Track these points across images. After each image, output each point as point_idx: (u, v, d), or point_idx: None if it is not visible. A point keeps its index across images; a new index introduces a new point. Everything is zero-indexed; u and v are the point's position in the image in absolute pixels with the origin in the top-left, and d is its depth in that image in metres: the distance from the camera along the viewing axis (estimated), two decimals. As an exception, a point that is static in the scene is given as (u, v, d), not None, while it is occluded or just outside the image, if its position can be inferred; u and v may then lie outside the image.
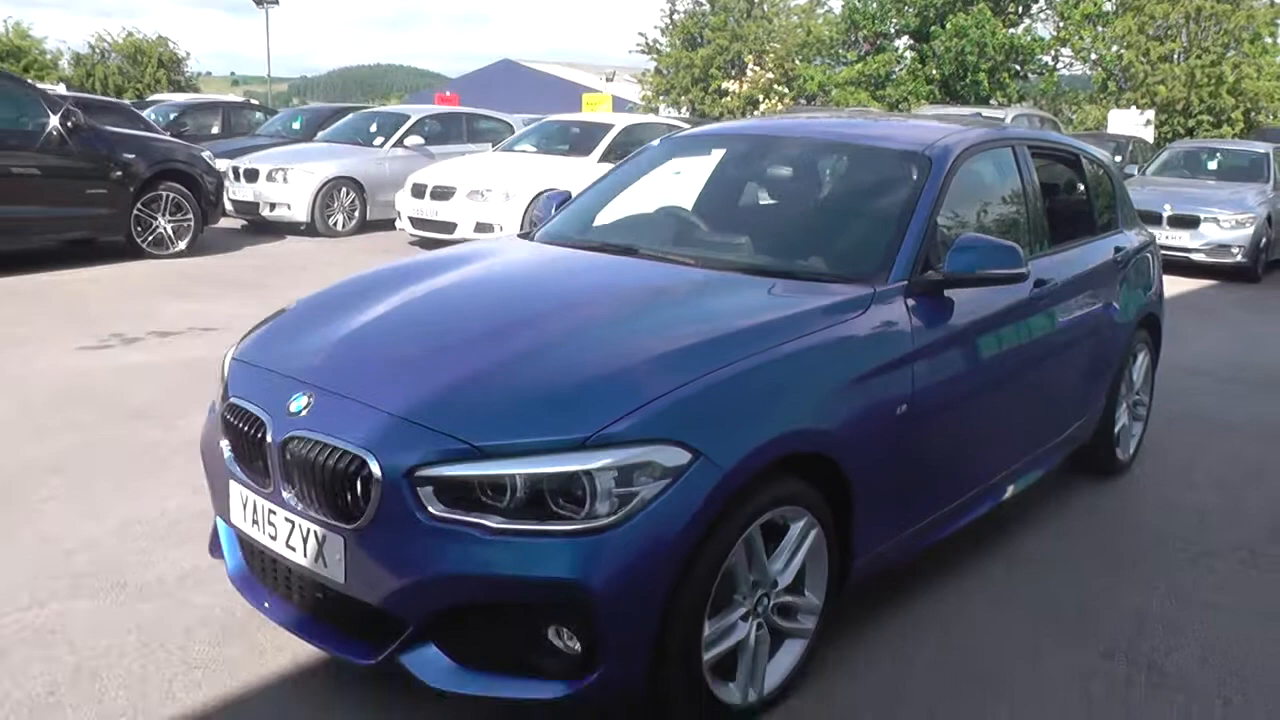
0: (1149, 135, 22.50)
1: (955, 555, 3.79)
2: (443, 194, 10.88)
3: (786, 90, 29.92)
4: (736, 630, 2.66)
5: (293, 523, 2.59)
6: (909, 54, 30.00)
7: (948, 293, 3.33)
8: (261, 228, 11.94)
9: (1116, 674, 3.10)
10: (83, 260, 9.32)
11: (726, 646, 2.63)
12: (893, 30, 30.67)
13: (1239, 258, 11.18)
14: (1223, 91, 23.19)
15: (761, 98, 29.54)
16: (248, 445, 2.73)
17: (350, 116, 13.81)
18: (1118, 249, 4.65)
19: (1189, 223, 11.32)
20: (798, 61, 29.95)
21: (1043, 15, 29.28)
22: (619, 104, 30.90)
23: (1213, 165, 13.15)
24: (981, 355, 3.48)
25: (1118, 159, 16.28)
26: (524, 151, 12.25)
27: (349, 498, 2.47)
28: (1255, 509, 4.51)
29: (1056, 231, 4.22)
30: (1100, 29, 26.59)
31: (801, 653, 2.88)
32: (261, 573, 2.89)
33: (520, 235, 4.28)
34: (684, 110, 29.50)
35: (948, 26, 27.82)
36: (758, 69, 29.48)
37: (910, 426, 3.07)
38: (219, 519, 3.02)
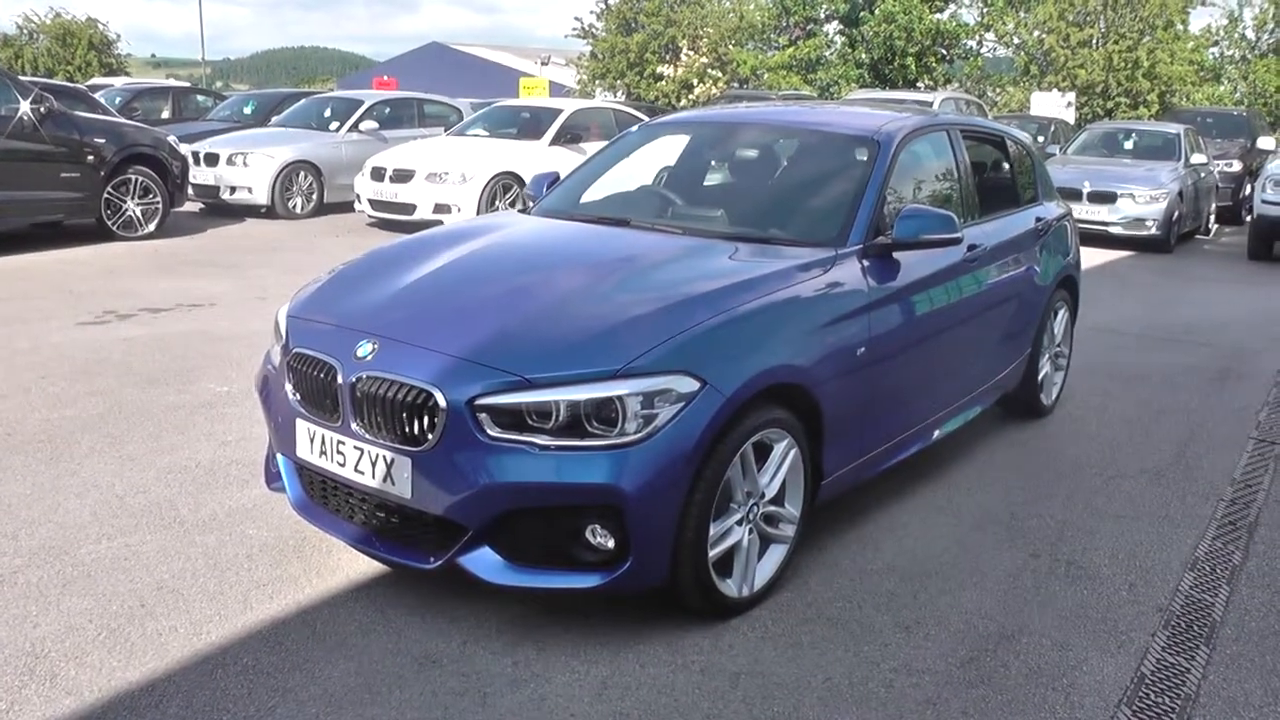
0: (1070, 117, 23.55)
1: (900, 481, 4.39)
2: (402, 177, 11.25)
3: (720, 74, 30.51)
4: (733, 533, 3.21)
5: (361, 450, 3.07)
6: (839, 38, 30.79)
7: (896, 255, 3.91)
8: (221, 210, 12.18)
9: (1041, 569, 3.73)
10: (53, 243, 9.55)
11: (726, 547, 3.18)
12: (822, 15, 31.49)
13: (1153, 230, 12.02)
14: (1139, 75, 24.36)
15: (696, 82, 30.09)
16: (317, 387, 3.20)
17: (303, 102, 14.05)
18: (1038, 219, 5.29)
19: (1107, 198, 12.14)
20: (731, 46, 30.53)
21: (967, 1, 30.26)
22: (555, 89, 31.19)
23: (1129, 145, 14.02)
24: (925, 308, 4.07)
25: (1040, 139, 17.17)
26: (477, 135, 12.64)
27: (416, 425, 2.96)
28: (1159, 441, 5.20)
29: (985, 204, 4.84)
30: (1023, 14, 27.62)
31: (783, 557, 3.44)
32: (323, 500, 3.36)
33: (520, 210, 4.76)
34: (619, 94, 29.92)
35: (877, 12, 28.65)
36: (692, 54, 30.02)
37: (868, 366, 3.66)
38: (280, 455, 3.48)
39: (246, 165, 11.68)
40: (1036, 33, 27.65)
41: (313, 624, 3.14)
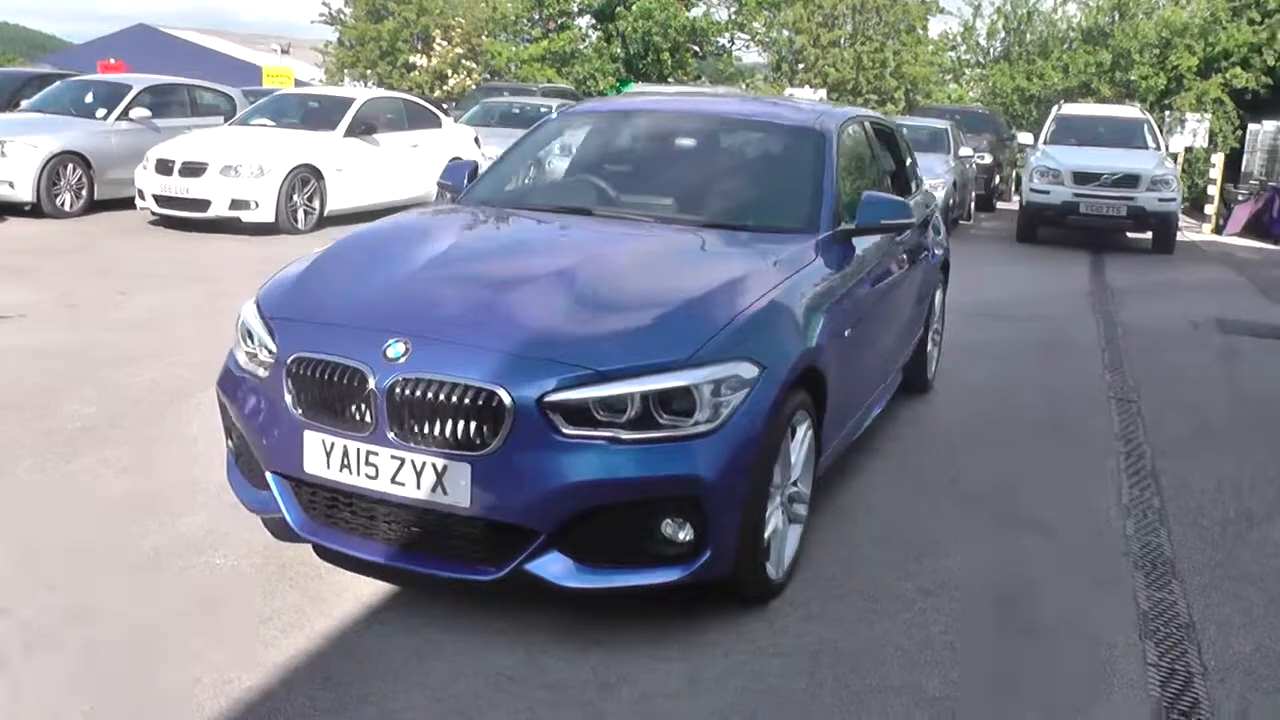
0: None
1: (844, 458, 4.55)
2: (193, 170, 10.30)
3: (474, 66, 30.14)
4: (774, 517, 3.21)
5: (401, 459, 2.82)
6: (594, 32, 31.20)
7: (854, 240, 4.05)
8: (-35, 210, 10.67)
9: (1008, 529, 4.00)
10: None
11: (770, 530, 3.18)
12: (575, 9, 31.80)
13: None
14: (886, 74, 26.28)
15: (450, 73, 29.55)
16: (336, 394, 2.90)
17: (58, 85, 12.53)
18: (925, 204, 5.62)
19: None
20: (484, 38, 30.22)
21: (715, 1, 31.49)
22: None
23: None
24: (878, 289, 4.24)
25: None
26: (264, 125, 11.81)
27: (473, 428, 2.75)
28: (1032, 406, 5.68)
29: (895, 189, 5.09)
30: (773, 14, 29.12)
31: (799, 536, 3.49)
32: (330, 518, 3.06)
33: (451, 201, 4.45)
34: (371, 85, 28.86)
35: (634, 8, 29.28)
36: (446, 44, 29.43)
37: (849, 346, 3.77)
38: (272, 474, 3.12)
39: (5, 156, 10.29)
40: (786, 32, 29.24)
41: (353, 653, 2.86)
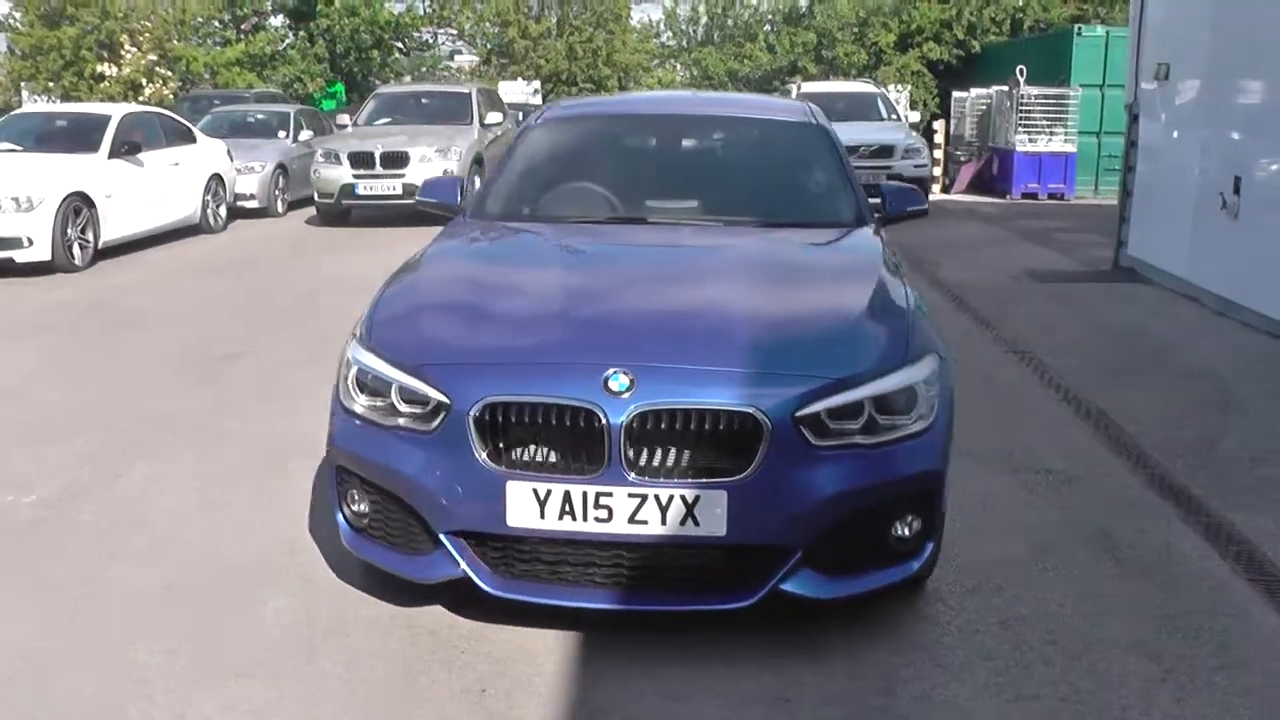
0: (538, 102, 25.43)
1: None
2: (-57, 208, 8.88)
3: (170, 73, 27.77)
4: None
5: (641, 496, 2.68)
6: (296, 33, 29.66)
7: (879, 228, 4.25)
8: None
9: (1033, 485, 4.34)
10: None
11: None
12: (269, 8, 30.07)
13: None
14: (599, 63, 26.82)
15: (145, 82, 27.04)
16: (555, 437, 2.70)
17: None
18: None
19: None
20: (176, 42, 27.92)
21: (417, -5, 30.81)
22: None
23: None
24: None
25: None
26: (11, 150, 10.37)
27: (728, 453, 2.66)
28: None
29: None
30: (479, 6, 28.88)
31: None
32: (523, 571, 2.84)
33: (470, 218, 4.16)
34: (55, 99, 25.82)
35: (337, 4, 28.08)
36: (135, 51, 26.87)
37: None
38: (447, 536, 2.85)
39: None
40: (493, 26, 29.11)
41: (605, 709, 2.69)
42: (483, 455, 2.74)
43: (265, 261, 10.53)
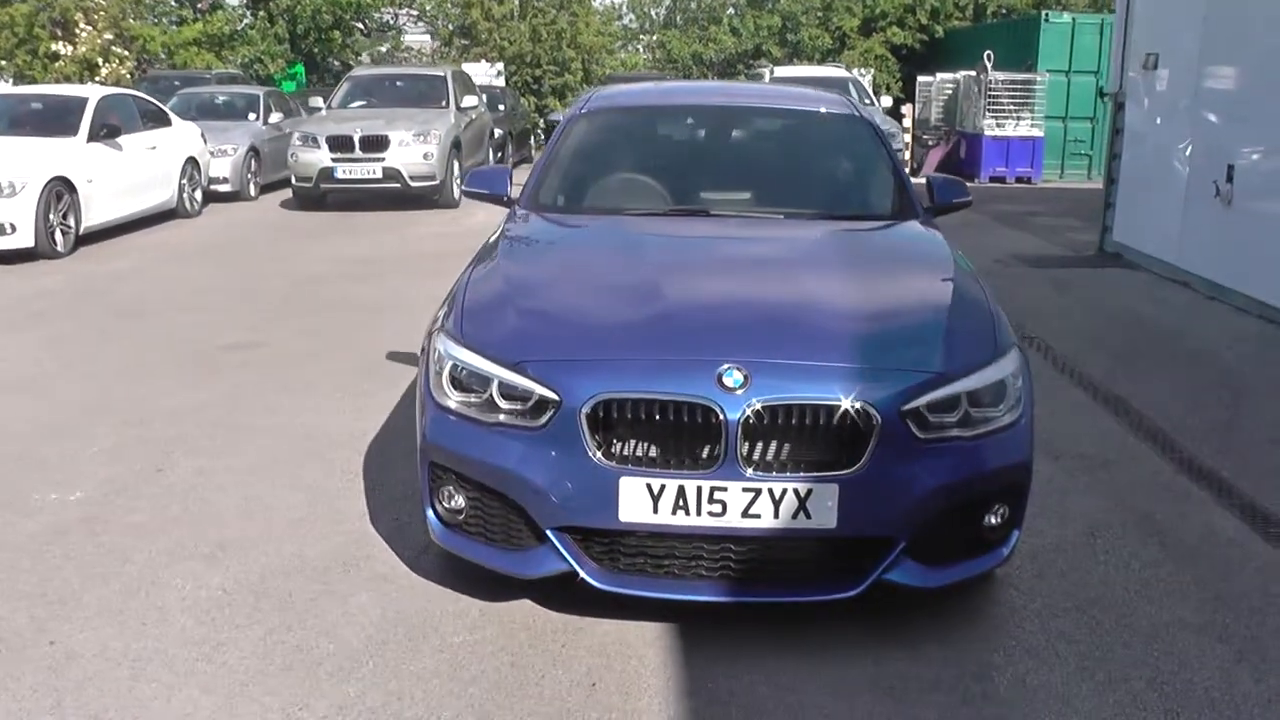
0: (501, 84, 25.27)
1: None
2: (-75, 195, 8.63)
3: (127, 53, 27.11)
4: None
5: (755, 490, 2.73)
6: (255, 13, 29.10)
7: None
8: None
9: (1069, 470, 4.45)
10: None
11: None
12: (228, -13, 29.48)
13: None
14: (564, 45, 26.67)
15: (101, 61, 26.36)
16: (672, 433, 2.74)
17: None
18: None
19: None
20: (131, 20, 27.22)
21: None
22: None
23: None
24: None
25: (501, 108, 18.50)
26: (-18, 135, 10.09)
27: (839, 446, 2.73)
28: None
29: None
30: (437, -13, 28.58)
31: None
32: (637, 565, 2.88)
33: (525, 210, 4.16)
34: (9, 80, 25.07)
35: (298, -17, 27.61)
36: (90, 29, 26.16)
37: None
38: (554, 532, 2.88)
39: None
40: (455, 8, 28.79)
41: (719, 699, 2.74)
42: (596, 452, 2.77)
43: (251, 247, 10.38)
